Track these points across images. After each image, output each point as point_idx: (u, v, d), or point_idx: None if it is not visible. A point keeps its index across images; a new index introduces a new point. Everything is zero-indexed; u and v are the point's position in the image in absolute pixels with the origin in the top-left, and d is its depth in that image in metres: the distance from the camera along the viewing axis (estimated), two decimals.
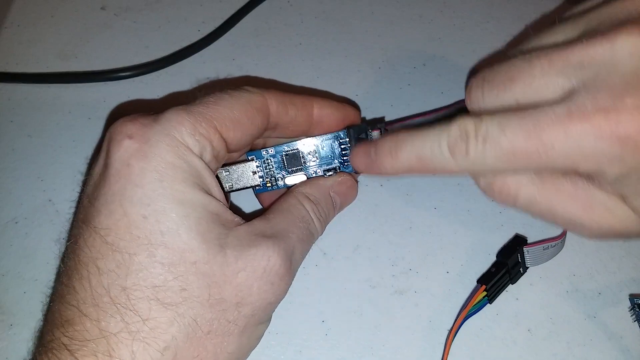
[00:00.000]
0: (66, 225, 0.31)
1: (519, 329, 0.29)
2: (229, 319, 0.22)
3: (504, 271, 0.29)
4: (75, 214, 0.23)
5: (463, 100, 0.23)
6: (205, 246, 0.21)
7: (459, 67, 0.38)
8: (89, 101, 0.36)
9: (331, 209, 0.28)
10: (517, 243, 0.30)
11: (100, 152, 0.23)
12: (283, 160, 0.28)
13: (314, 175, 0.28)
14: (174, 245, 0.21)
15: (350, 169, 0.28)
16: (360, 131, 0.28)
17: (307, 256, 0.31)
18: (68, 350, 0.20)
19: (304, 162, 0.28)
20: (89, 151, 0.34)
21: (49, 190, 0.33)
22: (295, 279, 0.30)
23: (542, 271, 0.31)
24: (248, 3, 0.40)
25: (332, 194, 0.28)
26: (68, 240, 0.23)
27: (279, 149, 0.28)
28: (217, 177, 0.26)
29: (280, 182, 0.28)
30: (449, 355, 0.27)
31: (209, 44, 0.39)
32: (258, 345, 0.28)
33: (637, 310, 0.29)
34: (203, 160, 0.23)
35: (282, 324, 0.29)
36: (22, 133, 0.35)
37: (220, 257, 0.21)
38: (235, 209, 0.32)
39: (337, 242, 0.31)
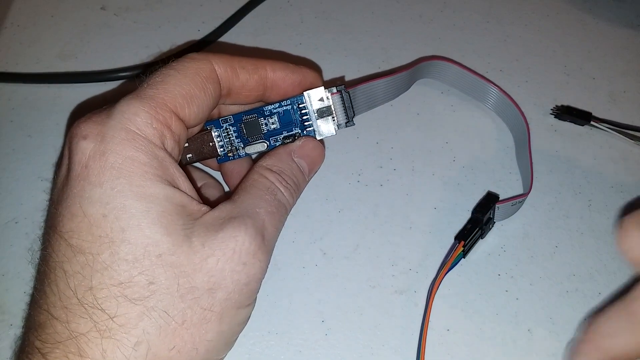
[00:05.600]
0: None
1: (519, 329, 0.29)
2: (204, 307, 0.21)
3: (478, 228, 0.31)
4: (45, 221, 0.23)
5: (423, 58, 0.23)
6: (170, 238, 0.21)
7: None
8: (89, 101, 0.36)
9: (299, 174, 0.26)
10: (491, 200, 0.31)
11: (61, 157, 0.23)
12: (242, 128, 0.27)
13: (274, 143, 0.27)
14: (136, 240, 0.20)
15: (312, 133, 0.27)
16: (319, 95, 0.27)
17: (306, 256, 0.31)
18: (41, 353, 0.20)
19: (264, 130, 0.27)
20: None
21: (49, 190, 0.33)
22: (295, 278, 0.30)
23: (542, 271, 0.31)
24: (248, 3, 0.40)
25: (295, 159, 0.26)
26: (40, 248, 0.23)
27: (238, 117, 0.27)
28: None
29: (242, 152, 0.27)
30: (431, 314, 0.28)
31: (209, 44, 0.39)
32: (258, 345, 0.28)
33: None
34: (165, 148, 0.22)
35: (282, 324, 0.29)
36: (22, 133, 0.35)
37: (187, 247, 0.21)
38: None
39: (337, 242, 0.31)
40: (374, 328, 0.29)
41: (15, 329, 0.28)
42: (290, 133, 0.27)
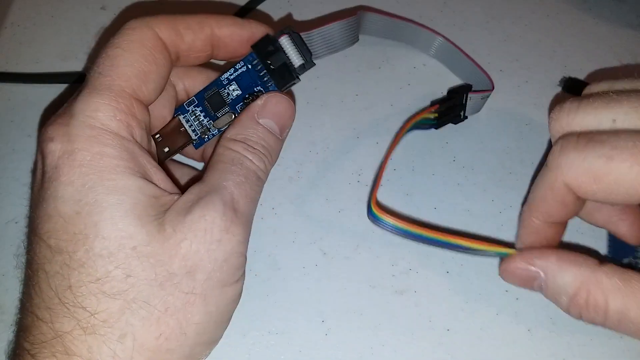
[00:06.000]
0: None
1: (519, 329, 0.29)
2: (185, 290, 0.21)
3: (452, 102, 0.33)
4: (27, 226, 0.23)
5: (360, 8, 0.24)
6: (144, 229, 0.21)
7: None
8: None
9: (268, 136, 0.25)
10: (465, 89, 0.34)
11: (36, 163, 0.23)
12: (207, 105, 0.26)
13: (240, 109, 0.26)
14: (110, 234, 0.20)
15: (273, 87, 0.26)
16: (267, 44, 0.25)
17: (306, 256, 0.31)
18: (30, 354, 0.20)
19: (228, 100, 0.26)
20: None
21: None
22: (295, 278, 0.30)
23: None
24: (248, 3, 0.40)
25: (260, 120, 0.25)
26: (23, 253, 0.23)
27: (200, 95, 0.26)
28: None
29: (213, 129, 0.26)
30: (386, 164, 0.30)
31: None
32: (258, 345, 0.28)
33: None
34: (134, 138, 0.22)
35: (282, 324, 0.29)
36: (22, 133, 0.35)
37: (160, 235, 0.21)
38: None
39: (337, 242, 0.31)
40: (374, 328, 0.29)
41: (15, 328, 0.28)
42: (252, 92, 0.26)
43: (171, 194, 0.23)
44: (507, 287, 0.30)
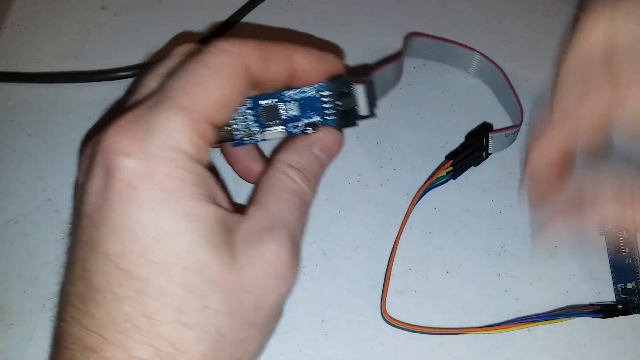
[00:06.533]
0: (66, 227, 0.31)
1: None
2: (250, 323, 0.22)
3: (469, 151, 0.32)
4: (74, 234, 0.22)
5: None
6: (220, 259, 0.21)
7: None
8: (89, 101, 0.36)
9: (318, 168, 0.26)
10: (484, 129, 0.33)
11: (93, 168, 0.21)
12: (260, 113, 0.26)
13: (293, 129, 0.26)
14: (191, 265, 0.20)
15: (332, 122, 0.26)
16: (343, 85, 0.25)
17: (306, 256, 0.31)
18: None
19: (283, 116, 0.26)
20: None
21: (49, 190, 0.33)
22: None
23: (542, 271, 0.31)
24: (248, 3, 0.40)
25: (315, 151, 0.26)
26: (70, 262, 0.22)
27: (256, 100, 0.26)
28: None
29: (258, 136, 0.26)
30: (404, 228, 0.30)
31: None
32: None
33: (607, 224, 0.30)
34: (204, 163, 0.22)
35: (282, 324, 0.29)
36: (22, 133, 0.35)
37: (234, 266, 0.21)
38: None
39: (337, 242, 0.31)
40: (374, 328, 0.29)
41: (15, 328, 0.28)
42: (310, 121, 0.26)
43: (232, 213, 0.23)
44: (507, 287, 0.30)
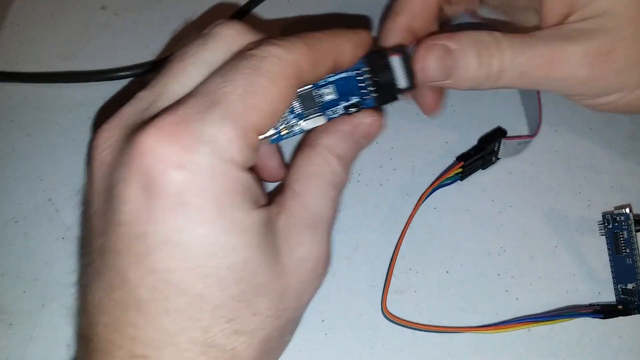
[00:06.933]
0: (66, 224, 0.31)
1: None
2: (291, 321, 0.23)
3: (480, 155, 0.32)
4: (99, 236, 0.21)
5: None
6: (268, 266, 0.21)
7: None
8: (89, 101, 0.36)
9: (355, 154, 0.25)
10: (498, 134, 0.33)
11: (127, 171, 0.19)
12: (297, 103, 0.24)
13: (332, 115, 0.25)
14: (242, 275, 0.20)
15: (371, 101, 0.25)
16: (378, 58, 0.24)
17: None
18: None
19: (321, 102, 0.24)
20: None
21: (48, 190, 0.33)
22: None
23: (542, 271, 0.31)
24: (248, 3, 0.40)
25: (357, 138, 0.25)
26: (98, 265, 0.21)
27: None
28: None
29: (297, 128, 0.24)
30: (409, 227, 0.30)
31: None
32: None
33: (607, 225, 0.30)
34: (248, 169, 0.21)
35: None
36: (22, 133, 0.35)
37: (278, 269, 0.21)
38: None
39: (337, 242, 0.31)
40: (374, 328, 0.29)
41: (14, 328, 0.28)
42: (349, 103, 0.25)
43: (270, 206, 0.22)
44: (507, 287, 0.30)
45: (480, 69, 0.25)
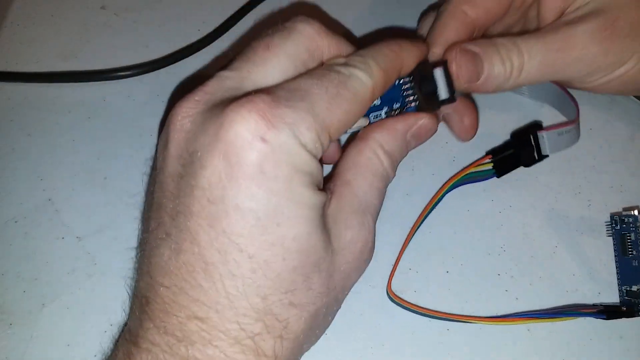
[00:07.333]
0: (65, 227, 0.31)
1: (519, 328, 0.29)
2: (337, 301, 0.24)
3: (512, 149, 0.31)
4: (174, 201, 0.22)
5: None
6: (322, 244, 0.22)
7: None
8: (89, 101, 0.36)
9: (405, 153, 0.27)
10: (532, 127, 0.32)
11: (212, 140, 0.21)
12: None
13: (375, 119, 0.26)
14: (302, 249, 0.22)
15: (412, 109, 0.27)
16: (423, 70, 0.26)
17: None
18: (214, 346, 0.21)
19: None
20: (89, 151, 0.34)
21: (48, 190, 0.33)
22: None
23: (542, 271, 0.31)
24: (248, 3, 0.40)
25: (409, 137, 0.27)
26: (169, 227, 0.22)
27: None
28: None
29: None
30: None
31: (209, 44, 0.39)
32: None
33: (614, 226, 0.30)
34: (317, 158, 0.23)
35: None
36: (22, 133, 0.35)
37: (329, 248, 0.23)
38: None
39: None
40: (374, 328, 0.29)
41: (14, 328, 0.28)
42: (392, 109, 0.26)
43: (324, 191, 0.24)
44: (507, 287, 0.30)
45: (504, 66, 0.27)
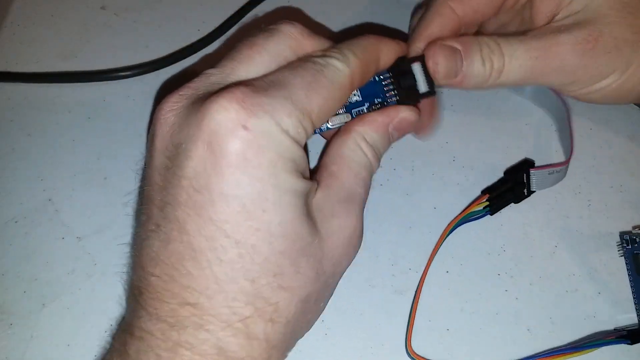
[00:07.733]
0: (65, 227, 0.31)
1: (519, 329, 0.29)
2: (328, 286, 0.24)
3: (507, 187, 0.32)
4: (161, 192, 0.22)
5: None
6: (309, 229, 0.23)
7: None
8: (89, 101, 0.36)
9: (388, 145, 0.27)
10: (524, 165, 0.32)
11: (196, 130, 0.21)
12: None
13: (357, 113, 0.27)
14: (288, 233, 0.22)
15: (393, 103, 0.27)
16: (401, 65, 0.27)
17: None
18: (205, 330, 0.21)
19: (346, 102, 0.27)
20: (89, 151, 0.34)
21: (48, 190, 0.33)
22: None
23: (542, 271, 0.31)
24: (248, 3, 0.40)
25: (391, 130, 0.27)
26: (158, 218, 0.22)
27: None
28: None
29: (323, 125, 0.27)
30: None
31: (209, 44, 0.39)
32: None
33: (626, 245, 0.30)
34: (301, 145, 0.23)
35: None
36: (22, 133, 0.35)
37: (318, 237, 0.23)
38: None
39: None
40: (374, 328, 0.29)
41: (14, 328, 0.28)
42: (374, 102, 0.27)
43: (310, 181, 0.24)
44: (507, 287, 0.30)
45: (483, 66, 0.27)
